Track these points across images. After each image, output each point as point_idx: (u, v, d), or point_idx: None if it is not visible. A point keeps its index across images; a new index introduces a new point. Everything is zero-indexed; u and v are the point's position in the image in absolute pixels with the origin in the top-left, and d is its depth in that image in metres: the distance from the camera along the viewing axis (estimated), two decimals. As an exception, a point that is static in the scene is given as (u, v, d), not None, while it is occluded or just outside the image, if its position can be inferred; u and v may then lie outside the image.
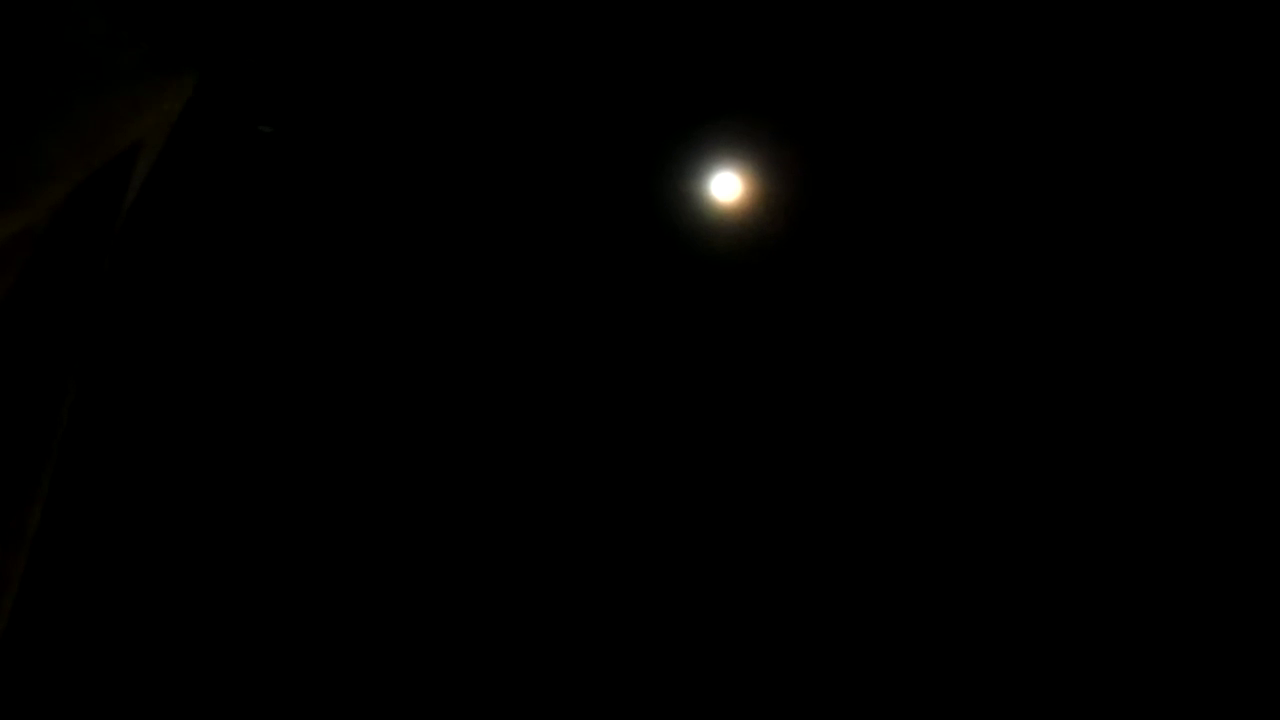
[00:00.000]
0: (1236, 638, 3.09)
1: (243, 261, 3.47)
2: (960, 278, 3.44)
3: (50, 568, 2.97)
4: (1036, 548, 3.39)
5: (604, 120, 3.37)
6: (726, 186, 3.43)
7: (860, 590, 3.43)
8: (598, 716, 3.22)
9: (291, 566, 3.29)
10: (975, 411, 3.46)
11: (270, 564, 3.28)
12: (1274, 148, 3.15)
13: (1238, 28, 3.05)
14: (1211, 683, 3.07)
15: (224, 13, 3.33)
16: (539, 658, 3.28)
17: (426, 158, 3.56)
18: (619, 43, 3.16)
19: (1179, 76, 3.12)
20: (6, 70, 2.47)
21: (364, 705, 3.17)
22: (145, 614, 3.10)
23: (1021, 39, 3.15)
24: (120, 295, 3.24)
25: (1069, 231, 3.35)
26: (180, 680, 3.06)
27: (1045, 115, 3.26)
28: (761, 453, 3.54)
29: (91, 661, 2.99)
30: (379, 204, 3.56)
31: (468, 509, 3.45)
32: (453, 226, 3.56)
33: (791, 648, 3.37)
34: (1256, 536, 3.14)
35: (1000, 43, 3.19)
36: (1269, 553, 3.13)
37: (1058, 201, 3.35)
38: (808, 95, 3.29)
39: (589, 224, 3.48)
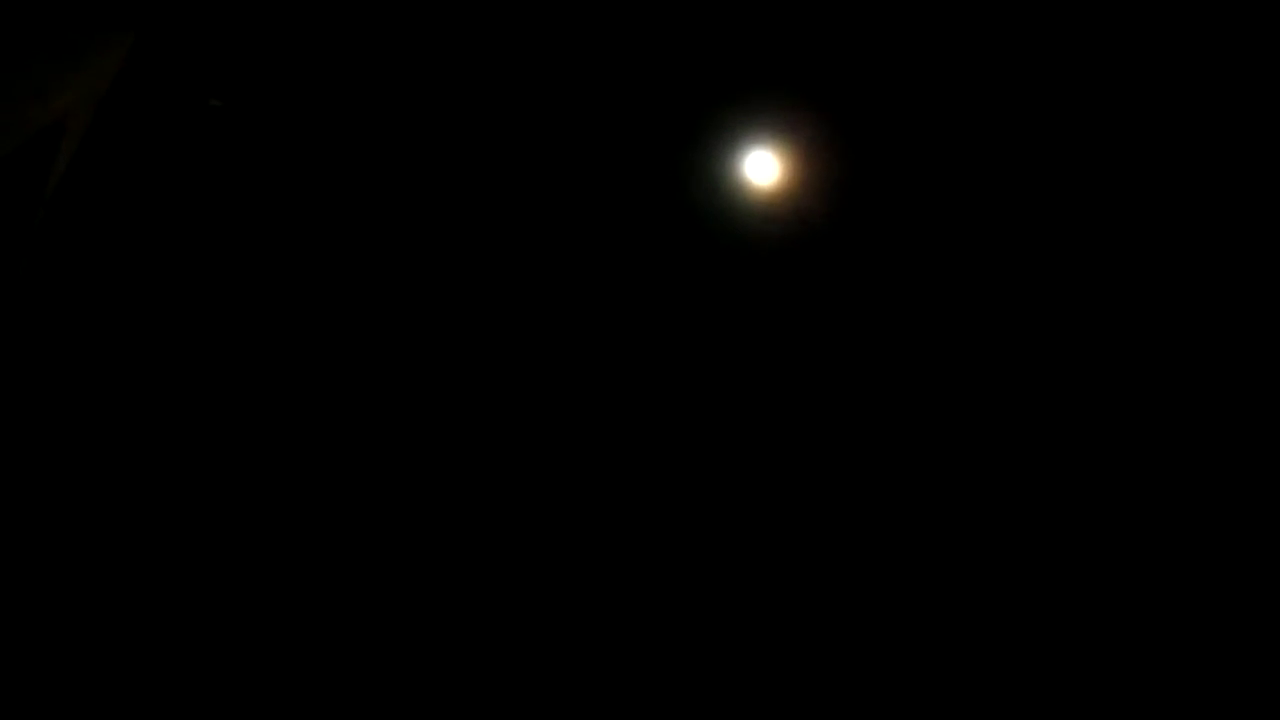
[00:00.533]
0: (1236, 638, 3.08)
1: (185, 251, 3.21)
2: (1013, 266, 3.25)
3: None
4: (1067, 546, 3.26)
5: (629, 96, 3.21)
6: (762, 167, 3.28)
7: (900, 585, 3.27)
8: (598, 717, 3.13)
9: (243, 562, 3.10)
10: (1028, 404, 3.26)
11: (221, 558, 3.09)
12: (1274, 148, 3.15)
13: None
14: (1211, 683, 3.05)
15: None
16: (543, 658, 3.16)
17: (409, 142, 3.27)
18: (645, 11, 2.90)
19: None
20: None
21: (361, 705, 3.07)
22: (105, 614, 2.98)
23: (1075, 17, 2.97)
24: (45, 288, 3.01)
25: (1120, 219, 3.22)
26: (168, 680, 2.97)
27: (1098, 101, 3.16)
28: (799, 452, 3.33)
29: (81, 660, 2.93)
30: (360, 194, 3.26)
31: (482, 506, 3.25)
32: (441, 211, 3.29)
33: (817, 647, 3.25)
34: (1256, 536, 3.12)
35: (1054, 18, 3.01)
36: (1269, 553, 3.12)
37: (1111, 193, 3.23)
38: (849, 67, 3.16)
39: (612, 209, 3.30)
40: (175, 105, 3.12)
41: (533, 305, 3.30)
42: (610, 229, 3.30)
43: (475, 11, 3.04)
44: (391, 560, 3.17)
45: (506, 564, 3.21)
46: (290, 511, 3.15)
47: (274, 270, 3.21)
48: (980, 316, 3.30)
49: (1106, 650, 3.12)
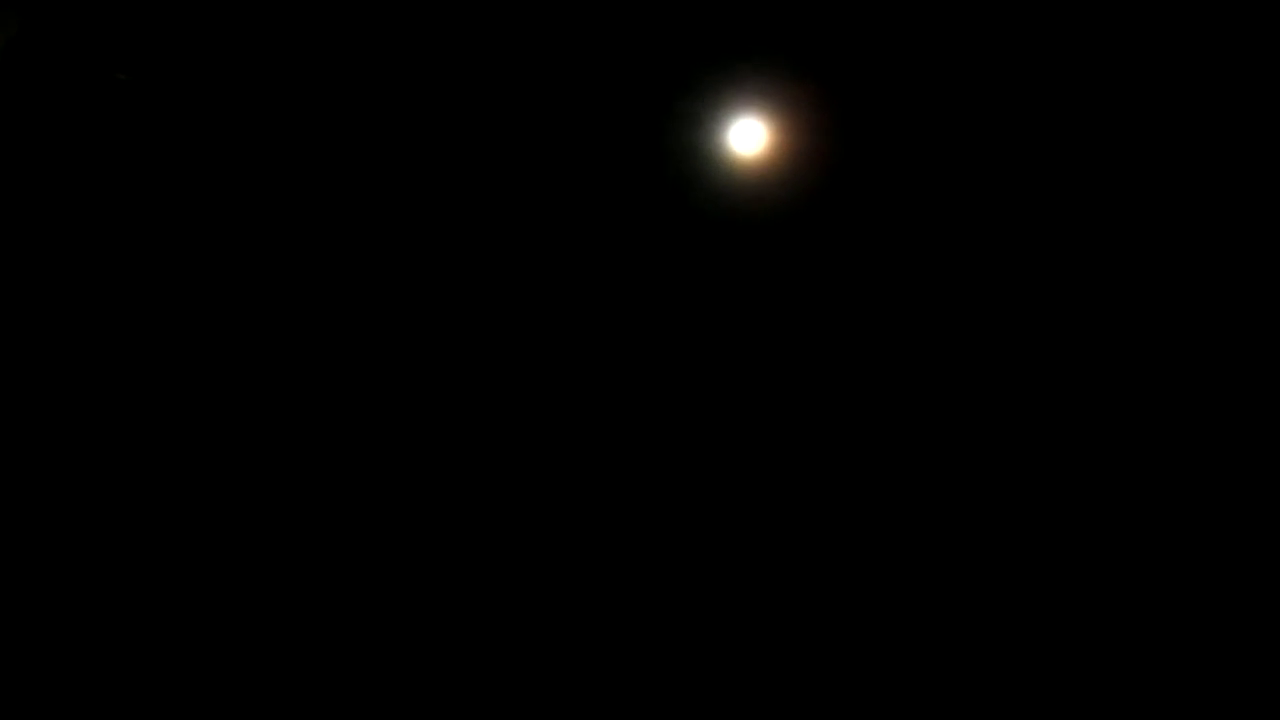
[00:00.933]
0: (1236, 638, 3.11)
1: (90, 239, 3.00)
2: (1008, 241, 3.19)
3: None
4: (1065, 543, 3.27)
5: (607, 59, 3.03)
6: (748, 136, 3.16)
7: (898, 585, 3.21)
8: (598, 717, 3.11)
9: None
10: (1019, 392, 3.24)
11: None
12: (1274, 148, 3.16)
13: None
14: (1211, 683, 3.09)
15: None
16: (540, 658, 3.11)
17: (354, 114, 3.04)
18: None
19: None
20: None
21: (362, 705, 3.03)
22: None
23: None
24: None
25: (1117, 204, 3.17)
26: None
27: (1101, 77, 3.06)
28: (786, 436, 3.25)
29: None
30: (289, 165, 3.04)
31: (459, 484, 3.18)
32: (403, 187, 3.08)
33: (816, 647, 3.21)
34: (1257, 537, 3.16)
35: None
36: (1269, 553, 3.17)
37: (1107, 175, 3.16)
38: (840, 30, 3.01)
39: (590, 180, 3.15)
40: (78, 77, 2.77)
41: (511, 283, 3.18)
42: (591, 202, 3.16)
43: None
44: (380, 559, 3.06)
45: (487, 549, 3.11)
46: (246, 513, 2.99)
47: (190, 250, 2.99)
48: (971, 290, 3.23)
49: (1106, 650, 3.12)
